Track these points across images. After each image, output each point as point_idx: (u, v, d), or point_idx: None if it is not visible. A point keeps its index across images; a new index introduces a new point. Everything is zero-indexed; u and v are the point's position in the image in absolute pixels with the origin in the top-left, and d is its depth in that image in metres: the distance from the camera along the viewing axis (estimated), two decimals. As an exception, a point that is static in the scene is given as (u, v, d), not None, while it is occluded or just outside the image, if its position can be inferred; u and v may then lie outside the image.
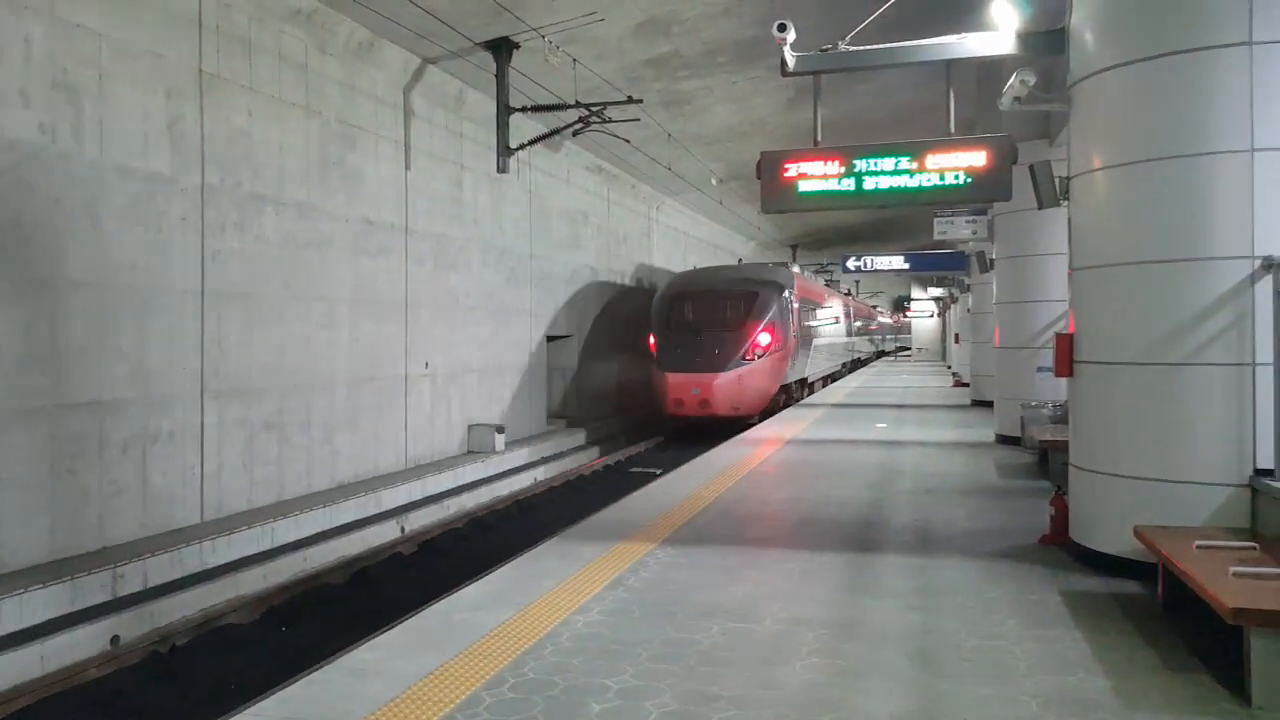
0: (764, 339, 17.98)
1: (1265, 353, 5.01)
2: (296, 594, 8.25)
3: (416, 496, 11.15)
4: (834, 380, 28.12)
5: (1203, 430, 5.19)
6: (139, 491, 7.98)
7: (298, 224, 9.89)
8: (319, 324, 10.21)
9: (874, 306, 46.18)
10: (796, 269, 25.85)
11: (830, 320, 27.53)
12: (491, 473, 13.03)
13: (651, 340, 18.31)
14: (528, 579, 5.65)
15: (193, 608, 7.43)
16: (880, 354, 52.09)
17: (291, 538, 9.00)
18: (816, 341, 24.32)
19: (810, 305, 23.22)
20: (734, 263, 27.52)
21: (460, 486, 12.10)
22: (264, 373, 9.40)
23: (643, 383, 18.81)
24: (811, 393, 23.29)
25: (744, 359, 17.58)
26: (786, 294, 19.25)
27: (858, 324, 37.94)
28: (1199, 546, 4.54)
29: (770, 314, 18.28)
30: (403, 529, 10.38)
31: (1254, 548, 4.53)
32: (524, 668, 4.17)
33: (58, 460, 7.26)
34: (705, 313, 18.36)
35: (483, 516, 11.74)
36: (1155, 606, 4.94)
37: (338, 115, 10.55)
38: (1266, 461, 5.00)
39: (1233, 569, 4.09)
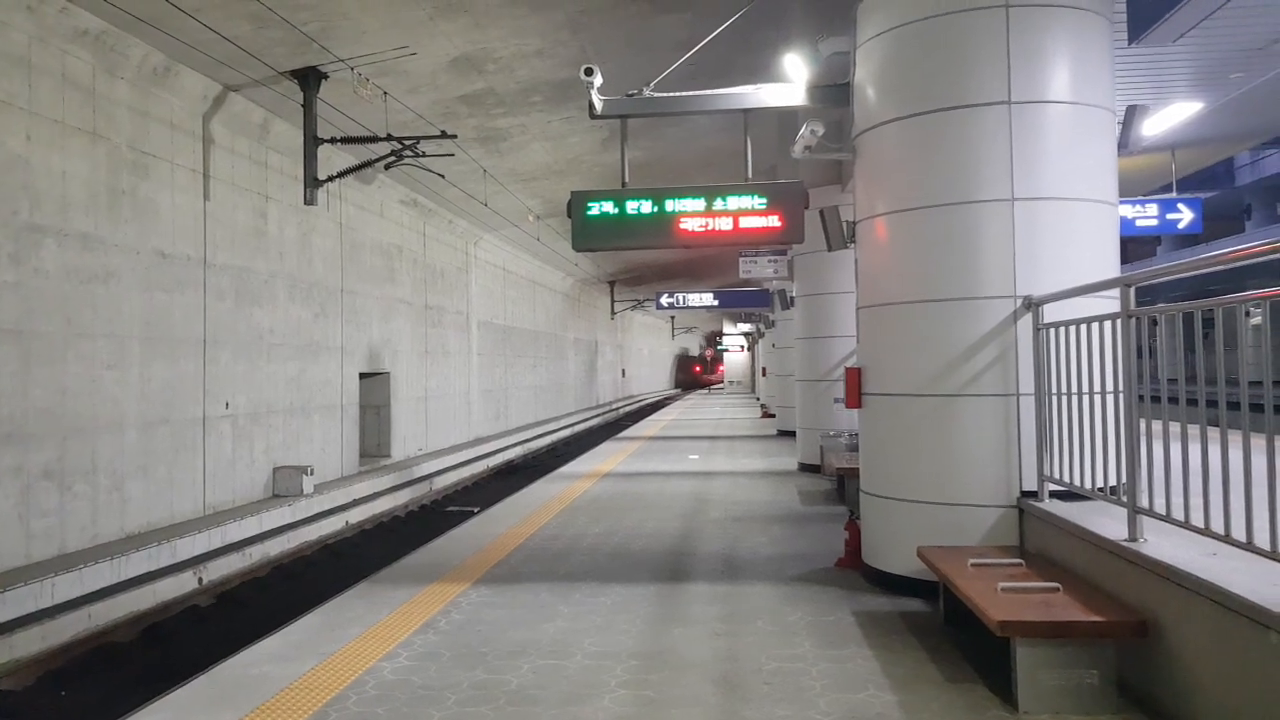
0: (721, 368, 66.43)
1: (1027, 384, 5.51)
2: (79, 654, 7.65)
3: (216, 545, 10.53)
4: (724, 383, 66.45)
5: (976, 456, 5.62)
6: (-111, 551, 7.20)
7: (82, 256, 9.24)
8: (106, 363, 9.55)
9: (702, 346, 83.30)
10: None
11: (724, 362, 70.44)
12: (299, 517, 12.48)
13: (697, 368, 77.09)
14: (333, 627, 5.47)
15: (-46, 677, 6.77)
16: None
17: (74, 593, 8.30)
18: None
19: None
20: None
21: (264, 533, 11.53)
22: (43, 416, 8.70)
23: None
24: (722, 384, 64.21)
25: (715, 371, 75.03)
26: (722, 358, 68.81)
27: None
28: (973, 564, 4.91)
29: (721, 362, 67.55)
30: (200, 580, 9.79)
31: (1020, 564, 4.93)
32: None
33: None
34: (707, 360, 78.76)
35: (288, 564, 11.24)
36: (938, 622, 5.31)
37: (129, 142, 9.96)
38: (1031, 484, 5.48)
39: (1001, 584, 4.43)
